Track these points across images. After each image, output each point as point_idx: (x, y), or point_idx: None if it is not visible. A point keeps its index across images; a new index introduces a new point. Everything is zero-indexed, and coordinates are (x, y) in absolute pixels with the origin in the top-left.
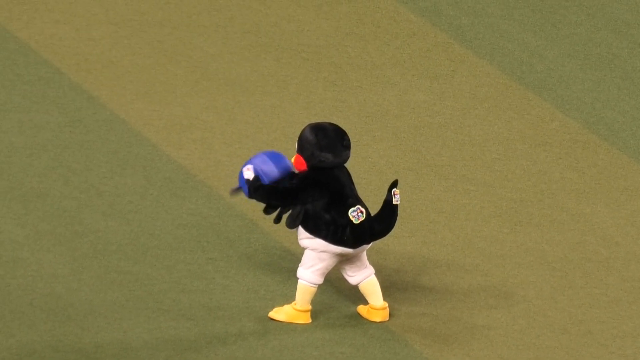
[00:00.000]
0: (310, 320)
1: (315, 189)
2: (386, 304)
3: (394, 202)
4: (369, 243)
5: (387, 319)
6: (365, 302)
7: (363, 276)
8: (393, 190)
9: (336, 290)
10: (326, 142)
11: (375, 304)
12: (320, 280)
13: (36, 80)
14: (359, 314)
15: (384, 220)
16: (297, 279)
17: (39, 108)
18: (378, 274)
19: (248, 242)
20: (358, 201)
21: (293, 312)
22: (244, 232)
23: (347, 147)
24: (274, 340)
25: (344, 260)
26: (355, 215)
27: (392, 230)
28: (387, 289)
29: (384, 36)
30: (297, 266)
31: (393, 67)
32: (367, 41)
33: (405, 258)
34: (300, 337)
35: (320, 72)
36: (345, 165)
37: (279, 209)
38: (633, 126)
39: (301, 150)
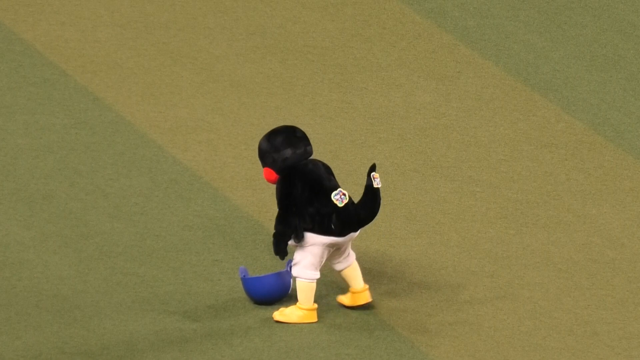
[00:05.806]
0: (317, 319)
1: (295, 188)
2: (367, 286)
3: (375, 186)
4: (356, 230)
5: (371, 300)
6: (342, 292)
7: (347, 263)
8: (372, 174)
9: (342, 292)
10: (280, 140)
11: (357, 287)
12: (316, 274)
13: (42, 82)
14: (341, 304)
15: (367, 205)
16: (296, 278)
17: (44, 110)
18: (383, 275)
19: (254, 244)
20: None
21: (299, 312)
22: (250, 233)
23: (303, 137)
24: (280, 341)
25: (333, 250)
26: (339, 198)
27: (378, 216)
28: (393, 290)
29: (390, 38)
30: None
31: (398, 68)
32: (373, 43)
33: (411, 259)
34: (307, 339)
35: (325, 73)
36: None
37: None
38: (639, 127)
39: (263, 160)
